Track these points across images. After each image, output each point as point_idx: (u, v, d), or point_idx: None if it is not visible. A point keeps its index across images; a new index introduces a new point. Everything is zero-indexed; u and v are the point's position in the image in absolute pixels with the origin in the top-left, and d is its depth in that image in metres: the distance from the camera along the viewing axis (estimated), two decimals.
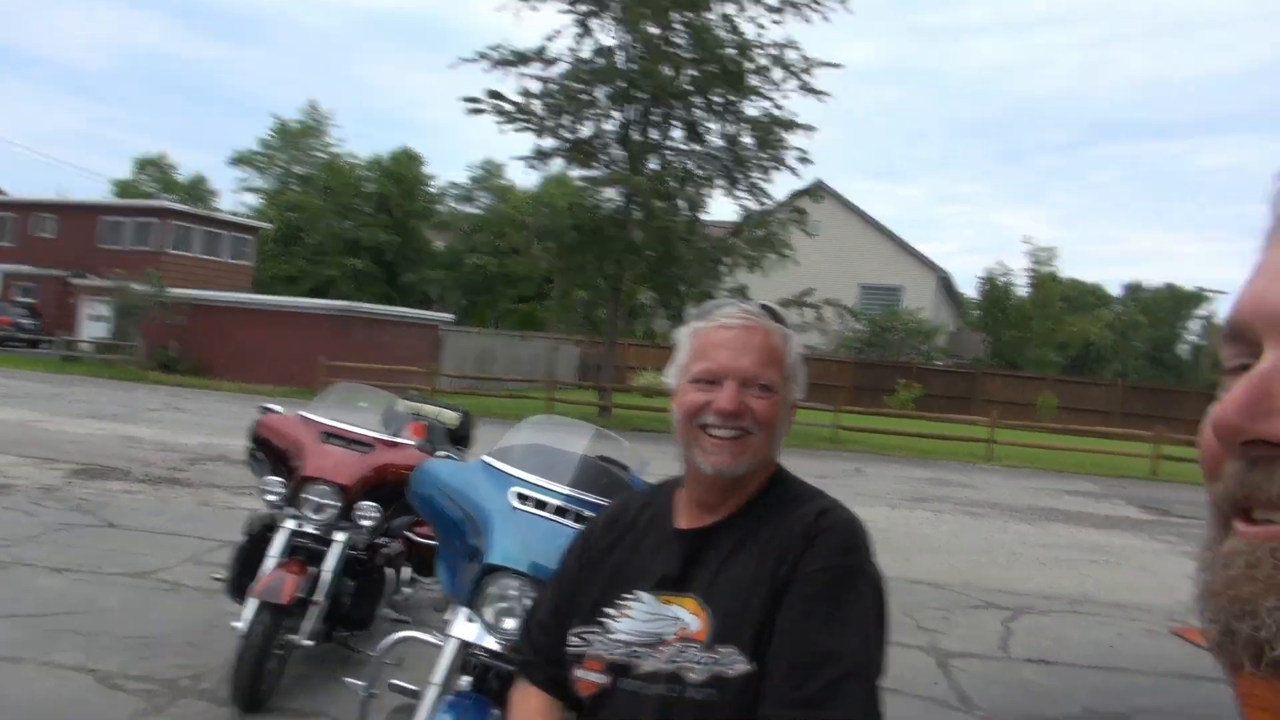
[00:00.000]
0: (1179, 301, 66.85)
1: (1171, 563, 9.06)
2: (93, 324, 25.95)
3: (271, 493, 4.11)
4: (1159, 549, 9.87)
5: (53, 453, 9.77)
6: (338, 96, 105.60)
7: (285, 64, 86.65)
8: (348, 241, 36.12)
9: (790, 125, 19.57)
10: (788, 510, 1.41)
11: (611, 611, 1.42)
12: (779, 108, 19.59)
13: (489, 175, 43.25)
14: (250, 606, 3.72)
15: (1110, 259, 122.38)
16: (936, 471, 15.71)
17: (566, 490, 2.95)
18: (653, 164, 19.92)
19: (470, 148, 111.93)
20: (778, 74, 19.22)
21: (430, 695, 2.73)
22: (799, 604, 1.31)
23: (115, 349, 23.98)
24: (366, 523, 4.10)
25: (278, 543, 3.99)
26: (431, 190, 41.40)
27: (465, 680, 2.79)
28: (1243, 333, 0.50)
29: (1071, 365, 41.95)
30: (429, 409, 5.61)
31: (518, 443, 3.27)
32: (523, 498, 2.90)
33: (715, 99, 19.54)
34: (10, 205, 31.61)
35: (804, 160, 20.01)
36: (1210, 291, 57.39)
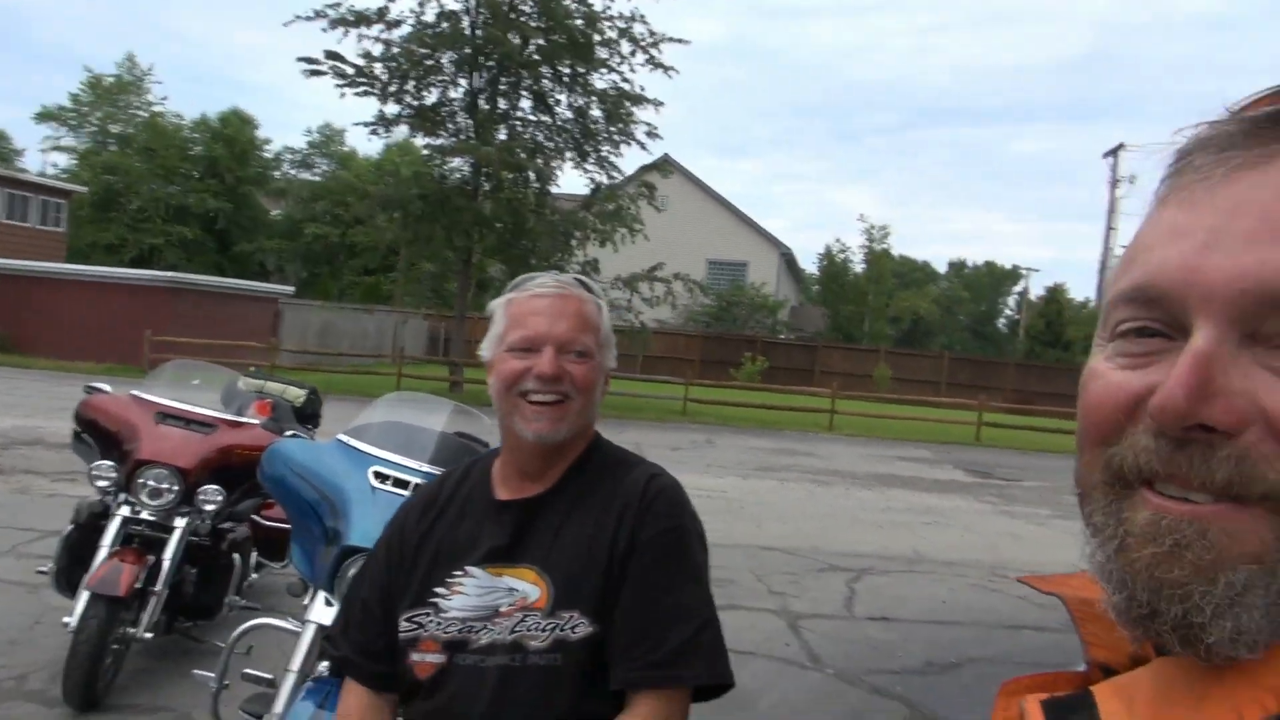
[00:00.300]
0: (997, 278, 71.76)
1: (993, 522, 9.76)
2: None
3: (103, 478, 3.84)
4: (982, 509, 10.60)
5: None
6: (157, 51, 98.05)
7: (96, 12, 79.82)
8: (174, 208, 33.77)
9: (638, 99, 19.66)
10: (614, 476, 1.45)
11: (442, 591, 1.41)
12: (627, 81, 19.67)
13: (328, 141, 41.49)
14: (82, 599, 3.48)
15: (936, 237, 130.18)
16: (782, 441, 16.28)
17: (427, 468, 2.90)
18: (501, 134, 19.62)
19: (307, 111, 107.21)
20: (625, 47, 19.27)
21: (289, 682, 2.64)
22: (644, 569, 1.36)
23: None
24: (209, 507, 3.90)
25: (111, 531, 3.74)
26: (265, 155, 39.30)
27: (324, 666, 2.71)
28: (1159, 300, 0.48)
29: (902, 338, 44.33)
30: (274, 386, 5.36)
31: (374, 420, 3.20)
32: (382, 476, 2.84)
33: (563, 70, 19.39)
34: None
35: (652, 135, 20.19)
36: (1024, 269, 61.82)
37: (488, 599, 1.39)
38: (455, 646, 1.38)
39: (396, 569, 1.48)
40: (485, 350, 1.49)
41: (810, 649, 5.06)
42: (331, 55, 18.26)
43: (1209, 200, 0.47)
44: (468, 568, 1.41)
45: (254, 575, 4.68)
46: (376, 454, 2.95)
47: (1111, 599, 0.49)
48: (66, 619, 3.49)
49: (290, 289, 26.62)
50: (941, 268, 74.20)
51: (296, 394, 5.31)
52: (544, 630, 1.34)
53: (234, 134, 36.16)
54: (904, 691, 4.54)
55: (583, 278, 1.53)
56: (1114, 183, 38.82)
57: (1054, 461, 16.88)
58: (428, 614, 1.41)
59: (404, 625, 1.43)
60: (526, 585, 1.37)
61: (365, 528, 2.65)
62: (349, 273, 35.38)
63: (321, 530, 2.85)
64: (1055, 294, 44.78)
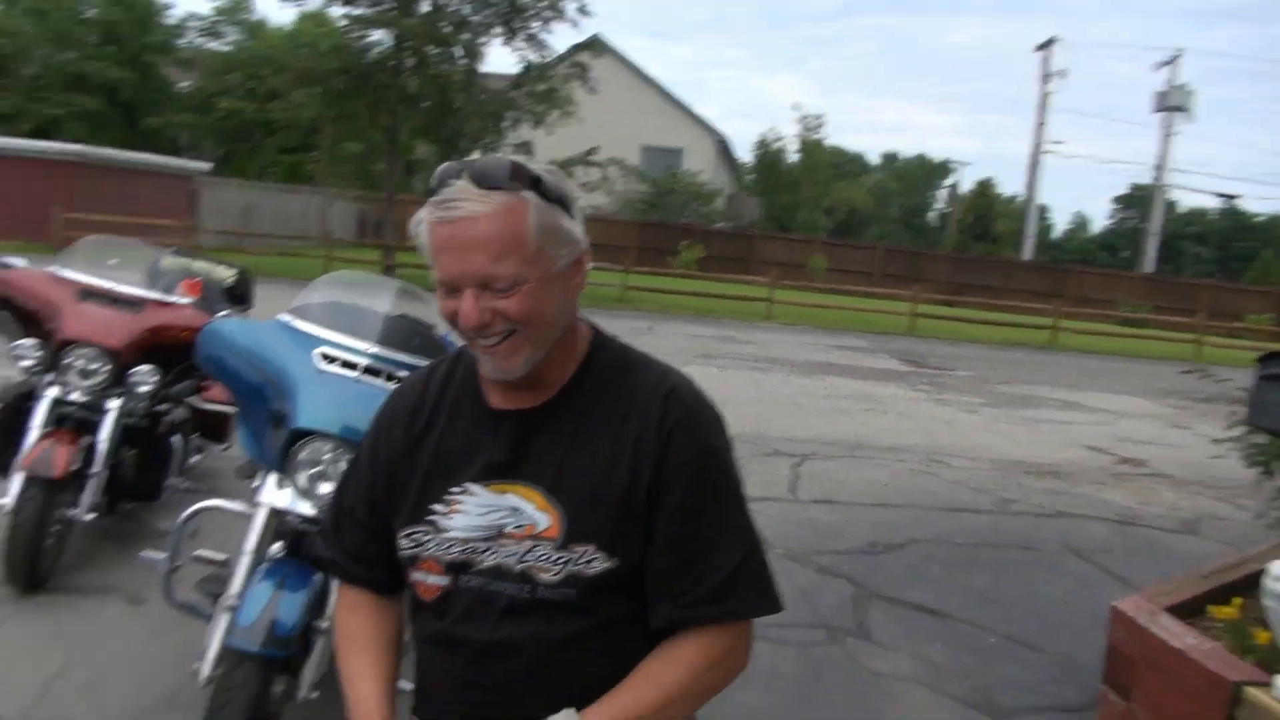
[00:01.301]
0: (928, 171, 72.28)
1: (928, 409, 10.00)
2: None
3: (25, 357, 3.61)
4: (917, 397, 10.84)
5: None
6: None
7: None
8: (72, 76, 31.54)
9: None
10: (622, 387, 1.29)
11: (440, 508, 1.28)
12: None
13: (235, 7, 38.86)
14: (17, 481, 3.32)
15: (862, 127, 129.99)
16: (721, 329, 16.35)
17: (375, 349, 2.79)
18: (425, 6, 18.60)
19: None
20: None
21: (244, 563, 2.58)
22: (680, 500, 1.24)
23: None
24: (144, 389, 3.72)
25: (40, 412, 3.54)
26: (169, 22, 36.67)
27: (277, 547, 2.64)
28: None
29: (836, 229, 44.53)
30: (201, 265, 5.08)
31: (315, 300, 3.06)
32: (328, 358, 2.72)
33: None
34: None
35: (584, 12, 19.32)
36: (955, 163, 62.32)
37: (490, 518, 1.26)
38: (458, 568, 1.26)
39: (384, 479, 1.35)
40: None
41: (759, 531, 5.13)
42: None
43: None
44: (467, 484, 1.27)
45: (195, 457, 4.53)
46: (322, 335, 2.83)
47: None
48: (1, 500, 3.33)
49: (207, 166, 25.38)
50: (874, 159, 74.40)
51: (226, 274, 5.04)
52: (556, 564, 1.22)
53: None
54: (850, 571, 4.64)
55: (510, 159, 1.21)
56: (1045, 77, 38.98)
57: (983, 351, 17.35)
58: (426, 532, 1.29)
59: (403, 543, 1.31)
60: (534, 510, 1.24)
61: (312, 410, 2.54)
62: (268, 151, 33.80)
63: (267, 412, 2.72)
64: (984, 188, 45.31)
